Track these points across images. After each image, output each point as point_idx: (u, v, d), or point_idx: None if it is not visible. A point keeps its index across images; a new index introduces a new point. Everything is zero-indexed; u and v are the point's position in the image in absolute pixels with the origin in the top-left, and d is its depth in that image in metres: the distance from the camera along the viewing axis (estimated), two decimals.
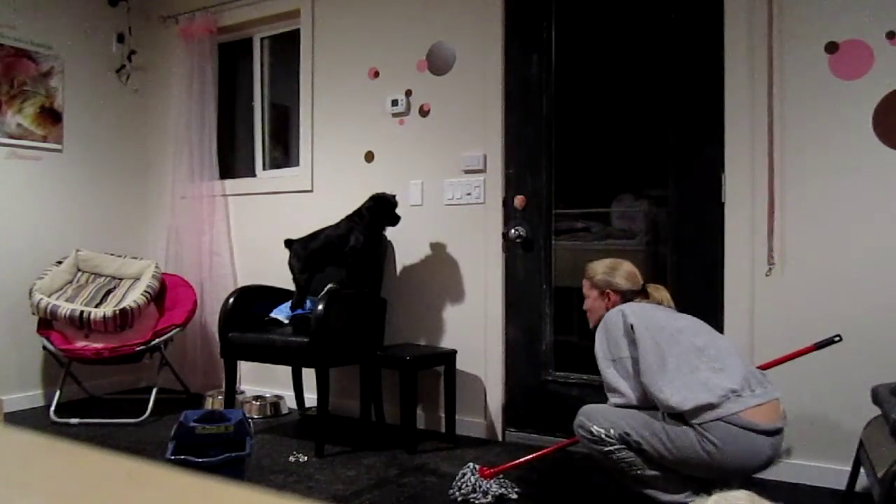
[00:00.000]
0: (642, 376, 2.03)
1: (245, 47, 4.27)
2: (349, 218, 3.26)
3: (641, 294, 2.34)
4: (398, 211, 3.27)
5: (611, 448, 2.04)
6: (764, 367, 2.31)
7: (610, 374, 2.14)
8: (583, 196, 3.21)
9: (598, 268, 2.37)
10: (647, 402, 2.04)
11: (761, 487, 2.53)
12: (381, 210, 3.20)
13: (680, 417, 1.96)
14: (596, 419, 2.09)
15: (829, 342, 2.30)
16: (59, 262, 3.84)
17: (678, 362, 1.99)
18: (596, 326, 2.29)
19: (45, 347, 3.55)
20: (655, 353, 2.02)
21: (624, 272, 2.34)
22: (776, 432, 1.94)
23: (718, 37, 2.79)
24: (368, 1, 3.64)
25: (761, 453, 1.92)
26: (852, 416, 2.42)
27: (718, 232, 2.79)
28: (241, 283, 3.97)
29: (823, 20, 2.59)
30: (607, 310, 2.28)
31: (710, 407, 1.91)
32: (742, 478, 2.14)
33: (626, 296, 2.31)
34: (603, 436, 2.05)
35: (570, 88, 3.18)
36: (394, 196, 3.26)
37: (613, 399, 2.13)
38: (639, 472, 2.03)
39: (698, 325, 2.18)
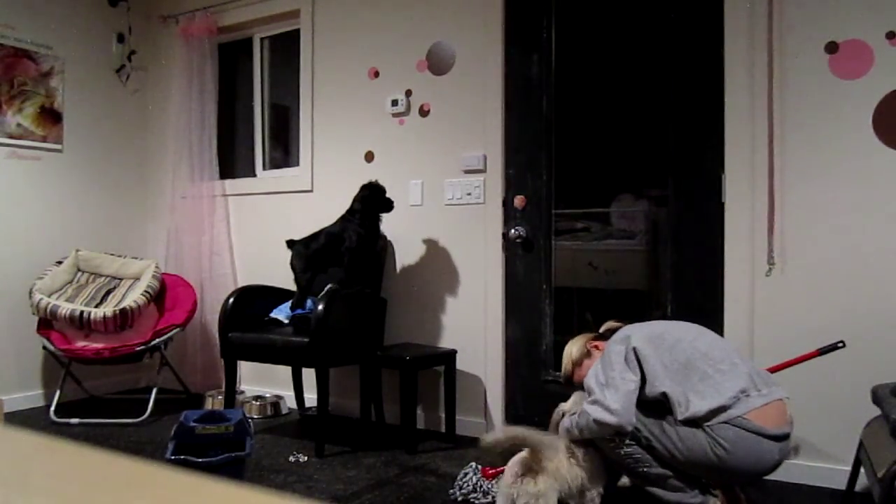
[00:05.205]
0: (649, 388, 2.01)
1: (245, 47, 4.27)
2: (342, 217, 3.26)
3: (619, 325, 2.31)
4: (396, 208, 3.28)
5: (619, 443, 2.04)
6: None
7: (598, 392, 2.04)
8: (583, 196, 3.21)
9: (570, 354, 2.36)
10: (630, 414, 1.99)
11: (762, 488, 2.53)
12: (374, 199, 3.20)
13: (690, 421, 1.96)
14: None
15: (833, 348, 2.31)
16: (59, 262, 3.84)
17: (686, 372, 2.00)
18: None
19: (45, 347, 3.55)
20: (665, 367, 2.01)
21: (586, 335, 2.38)
22: (784, 437, 1.95)
23: (718, 37, 2.78)
24: (368, 1, 3.64)
25: (769, 458, 1.93)
26: (852, 416, 2.42)
27: (718, 232, 2.78)
28: (241, 283, 3.97)
29: (823, 20, 2.59)
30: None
31: (723, 409, 1.92)
32: (749, 481, 2.13)
33: (608, 335, 2.24)
34: None
35: (570, 88, 3.18)
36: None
37: (599, 413, 2.01)
38: (646, 469, 2.03)
39: (696, 329, 2.17)
